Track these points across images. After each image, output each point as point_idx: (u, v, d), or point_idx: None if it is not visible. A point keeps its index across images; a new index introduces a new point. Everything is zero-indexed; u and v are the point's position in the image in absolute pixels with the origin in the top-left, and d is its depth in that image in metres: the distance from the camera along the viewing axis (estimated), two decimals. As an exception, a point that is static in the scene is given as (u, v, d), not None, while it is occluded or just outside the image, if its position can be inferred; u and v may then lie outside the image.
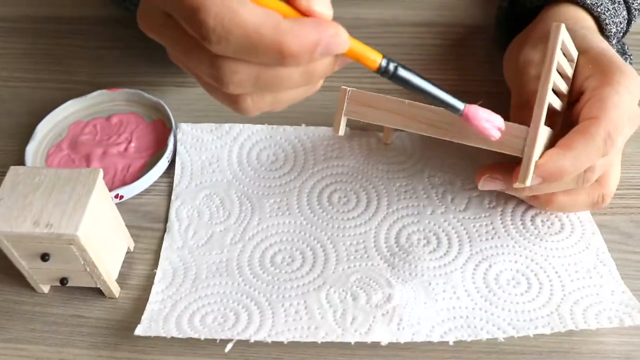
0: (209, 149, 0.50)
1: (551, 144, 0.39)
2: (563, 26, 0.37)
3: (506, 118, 0.38)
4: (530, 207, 0.46)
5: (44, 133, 0.52)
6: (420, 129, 0.40)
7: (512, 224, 0.45)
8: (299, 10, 0.29)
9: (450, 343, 0.39)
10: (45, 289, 0.43)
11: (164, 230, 0.46)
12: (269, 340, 0.39)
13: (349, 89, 0.42)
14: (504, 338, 0.39)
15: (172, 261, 0.44)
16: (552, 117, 0.41)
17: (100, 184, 0.40)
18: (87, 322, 0.42)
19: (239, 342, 0.40)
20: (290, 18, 0.28)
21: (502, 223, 0.45)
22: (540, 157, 0.38)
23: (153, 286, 0.43)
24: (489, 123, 0.36)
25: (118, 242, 0.44)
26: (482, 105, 0.36)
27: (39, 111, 0.53)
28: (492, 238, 0.44)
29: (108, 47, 0.60)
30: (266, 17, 0.27)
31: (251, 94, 0.31)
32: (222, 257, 0.44)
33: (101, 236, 0.41)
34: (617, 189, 0.43)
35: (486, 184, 0.42)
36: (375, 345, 0.39)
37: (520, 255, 0.43)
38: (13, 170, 0.41)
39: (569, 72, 0.42)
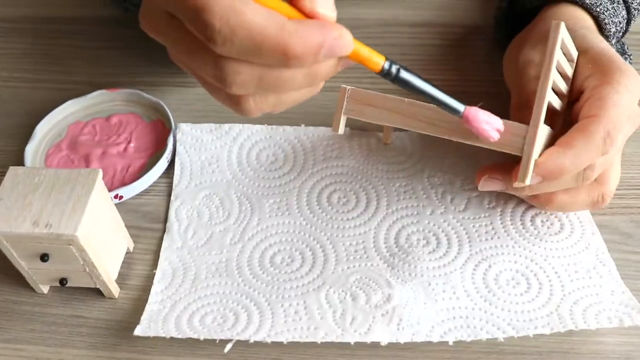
0: (209, 149, 0.50)
1: (551, 143, 0.39)
2: (563, 24, 0.37)
3: (506, 118, 0.38)
4: (530, 207, 0.46)
5: (44, 133, 0.52)
6: (420, 128, 0.40)
7: (511, 224, 0.45)
8: (303, 12, 0.29)
9: (450, 343, 0.39)
10: (45, 289, 0.43)
11: (164, 231, 0.46)
12: (269, 340, 0.39)
13: (348, 87, 0.42)
14: (503, 338, 0.39)
15: (172, 261, 0.44)
16: (552, 117, 0.41)
17: (99, 184, 0.40)
18: (86, 323, 0.42)
19: (239, 343, 0.40)
20: (294, 19, 0.28)
21: (501, 223, 0.45)
22: (540, 155, 0.38)
23: (152, 286, 0.43)
24: (489, 125, 0.36)
25: (117, 243, 0.44)
26: (481, 107, 0.36)
27: (39, 111, 0.53)
28: (492, 238, 0.44)
29: (107, 47, 0.60)
30: (271, 19, 0.27)
31: (253, 95, 0.31)
32: (222, 257, 0.44)
33: (100, 236, 0.41)
34: (617, 189, 0.43)
35: (486, 185, 0.42)
36: (375, 345, 0.39)
37: (520, 256, 0.43)
38: (12, 170, 0.41)
39: (569, 72, 0.42)
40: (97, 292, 0.43)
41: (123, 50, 0.60)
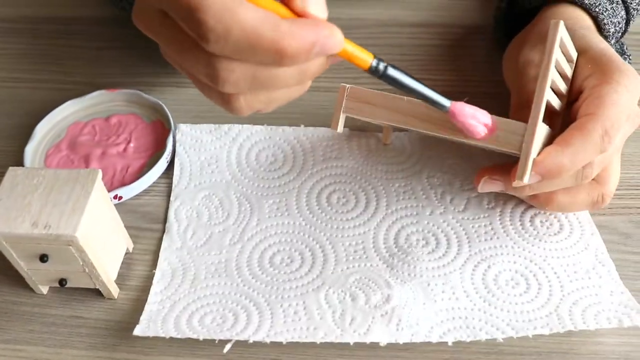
0: (208, 150, 0.50)
1: (550, 143, 0.39)
2: (562, 23, 0.37)
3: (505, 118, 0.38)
4: (529, 207, 0.46)
5: (43, 134, 0.52)
6: (419, 126, 0.40)
7: (511, 225, 0.45)
8: (294, 12, 0.29)
9: (449, 344, 0.39)
10: (44, 289, 0.43)
11: (163, 231, 0.46)
12: (268, 340, 0.39)
13: (348, 86, 0.42)
14: (502, 339, 0.39)
15: (171, 262, 0.44)
16: (551, 117, 0.41)
17: (99, 185, 0.40)
18: (85, 323, 0.42)
19: (238, 343, 0.40)
20: (287, 19, 0.28)
21: (501, 224, 0.45)
22: (538, 154, 0.38)
23: (152, 287, 0.43)
24: (475, 120, 0.37)
25: (117, 243, 0.44)
26: (468, 102, 0.36)
27: (38, 112, 0.53)
28: (491, 239, 0.44)
29: (107, 47, 0.60)
30: (265, 18, 0.28)
31: (245, 94, 0.31)
32: (221, 257, 0.44)
33: (100, 237, 0.41)
34: (616, 189, 0.43)
35: (485, 186, 0.42)
36: (374, 345, 0.39)
37: (519, 256, 0.43)
38: (12, 171, 0.41)
39: (568, 72, 0.42)
40: (96, 293, 0.43)
41: (123, 50, 0.60)
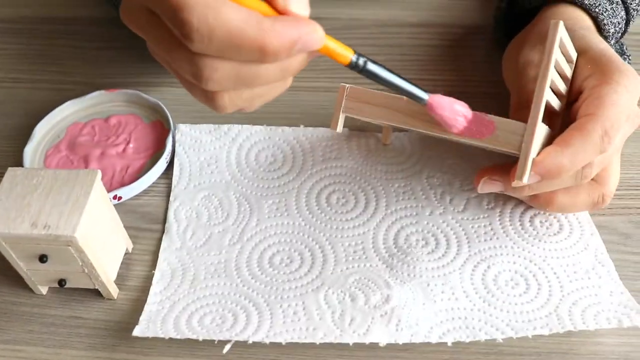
0: (208, 150, 0.50)
1: (549, 144, 0.39)
2: (561, 23, 0.37)
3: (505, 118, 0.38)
4: (528, 207, 0.46)
5: (42, 134, 0.52)
6: (419, 126, 0.40)
7: (510, 225, 0.45)
8: (276, 10, 0.30)
9: (449, 344, 0.39)
10: (44, 290, 0.43)
11: (163, 231, 0.46)
12: (267, 341, 0.39)
13: (347, 85, 0.42)
14: (502, 339, 0.39)
15: (171, 262, 0.44)
16: (551, 117, 0.41)
17: (98, 185, 0.40)
18: (85, 324, 0.42)
19: (237, 343, 0.40)
20: (269, 17, 0.29)
21: (500, 224, 0.45)
22: (538, 154, 0.38)
23: (151, 287, 0.43)
24: (453, 113, 0.37)
25: (116, 243, 0.44)
26: (446, 94, 0.37)
27: (37, 112, 0.53)
28: (491, 239, 0.44)
29: (106, 47, 0.60)
30: (248, 17, 0.28)
31: (228, 91, 0.31)
32: (221, 258, 0.44)
33: (99, 237, 0.41)
34: (616, 190, 0.43)
35: (485, 187, 0.42)
36: (374, 346, 0.39)
37: (519, 256, 0.43)
38: (11, 171, 0.41)
39: (568, 72, 0.42)
40: (95, 293, 0.43)
41: (122, 50, 0.60)
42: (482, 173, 0.42)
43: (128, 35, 0.60)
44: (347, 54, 0.32)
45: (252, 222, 0.46)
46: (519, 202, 0.46)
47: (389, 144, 0.50)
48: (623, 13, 0.49)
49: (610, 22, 0.47)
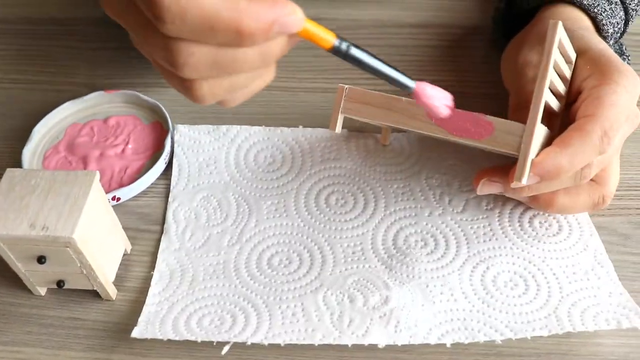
0: (207, 151, 0.50)
1: (548, 144, 0.39)
2: (560, 24, 0.37)
3: (504, 119, 0.38)
4: (528, 208, 0.46)
5: (41, 135, 0.52)
6: (418, 127, 0.40)
7: (509, 226, 0.45)
8: None
9: (448, 345, 0.39)
10: (42, 291, 0.43)
11: (161, 232, 0.46)
12: (266, 342, 0.39)
13: (346, 86, 0.42)
14: (501, 340, 0.39)
15: (169, 263, 0.44)
16: (550, 118, 0.41)
17: (96, 187, 0.40)
18: (83, 325, 0.42)
19: (236, 345, 0.40)
20: None
21: (499, 225, 0.45)
22: (537, 155, 0.37)
23: (150, 288, 0.43)
24: (438, 100, 0.36)
25: (115, 245, 0.44)
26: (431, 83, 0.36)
27: (36, 113, 0.53)
28: (490, 240, 0.44)
29: (105, 48, 0.60)
30: None
31: (207, 79, 0.30)
32: (219, 259, 0.44)
33: (98, 238, 0.40)
34: (616, 190, 0.42)
35: (484, 188, 0.42)
36: (373, 347, 0.39)
37: (518, 257, 0.43)
38: (9, 172, 0.40)
39: (567, 73, 0.42)
40: (94, 294, 0.43)
41: (121, 51, 0.60)
42: (482, 174, 0.42)
43: (127, 36, 0.60)
44: (330, 38, 0.30)
45: (251, 223, 0.46)
46: (518, 202, 0.46)
47: (387, 145, 0.50)
48: (622, 13, 0.49)
49: (609, 22, 0.47)
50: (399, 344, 0.39)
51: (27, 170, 0.41)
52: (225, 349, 0.40)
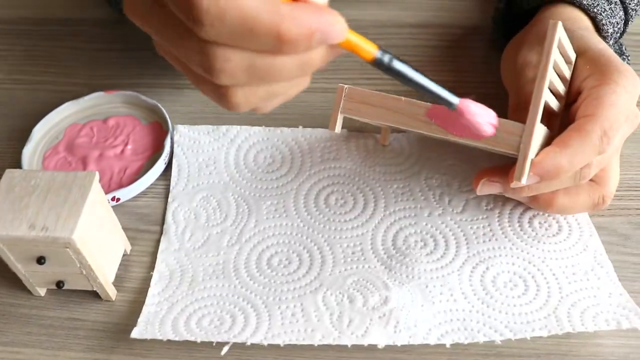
0: (206, 151, 0.50)
1: (548, 144, 0.39)
2: (560, 24, 0.37)
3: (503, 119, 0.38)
4: (527, 209, 0.46)
5: (41, 135, 0.52)
6: (417, 127, 0.39)
7: (509, 226, 0.45)
8: None
9: (447, 346, 0.39)
10: (42, 292, 0.43)
11: (161, 233, 0.46)
12: (265, 343, 0.39)
13: (346, 86, 0.42)
14: (501, 341, 0.39)
15: (169, 263, 0.44)
16: (549, 118, 0.41)
17: (96, 187, 0.40)
18: (83, 325, 0.42)
19: (236, 345, 0.40)
20: (287, 2, 0.27)
21: (499, 225, 0.45)
22: (536, 155, 0.37)
23: (149, 289, 0.43)
24: (482, 118, 0.36)
25: (114, 245, 0.44)
26: (475, 100, 0.36)
27: (36, 113, 0.53)
28: (490, 240, 0.44)
29: (105, 49, 0.60)
30: (263, 0, 0.26)
31: (242, 87, 0.29)
32: (219, 259, 0.44)
33: (97, 239, 0.40)
34: (615, 190, 0.42)
35: (484, 189, 0.42)
36: (372, 348, 0.39)
37: (518, 258, 0.43)
38: (9, 173, 0.41)
39: (567, 73, 0.42)
40: (94, 295, 0.43)
41: (120, 52, 0.60)
42: (481, 175, 0.42)
43: (127, 36, 0.60)
44: (371, 49, 0.29)
45: (251, 223, 0.46)
46: (518, 203, 0.46)
47: (387, 145, 0.50)
48: (622, 13, 0.49)
49: (609, 22, 0.47)
50: (399, 344, 0.39)
51: (26, 170, 0.41)
52: (225, 349, 0.40)
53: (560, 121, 0.42)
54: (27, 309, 0.43)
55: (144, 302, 0.42)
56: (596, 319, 0.39)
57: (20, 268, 0.41)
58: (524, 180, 0.37)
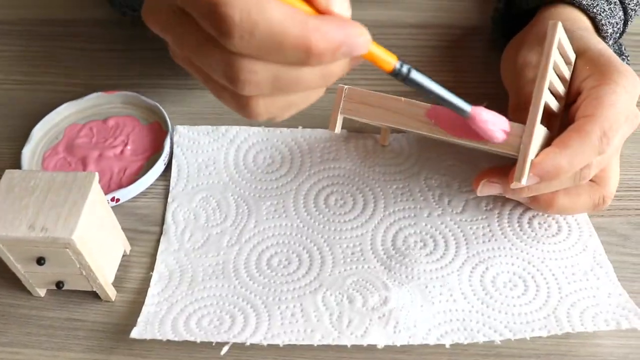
0: (206, 151, 0.50)
1: (547, 145, 0.39)
2: (560, 24, 0.37)
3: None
4: (527, 209, 0.46)
5: (40, 136, 0.52)
6: (417, 128, 0.39)
7: (509, 226, 0.45)
8: (318, 10, 0.28)
9: (447, 346, 0.39)
10: (42, 292, 0.43)
11: (161, 233, 0.46)
12: (265, 343, 0.39)
13: (345, 86, 0.42)
14: (500, 341, 0.39)
15: (169, 264, 0.44)
16: (549, 119, 0.41)
17: (95, 188, 0.40)
18: (83, 326, 0.42)
19: (235, 345, 0.40)
20: (314, 15, 0.27)
21: (499, 225, 0.45)
22: (536, 156, 0.37)
23: (149, 289, 0.43)
24: (494, 125, 0.36)
25: (114, 246, 0.44)
26: (487, 107, 0.36)
27: (35, 114, 0.53)
28: (489, 240, 0.44)
29: (104, 49, 0.60)
30: (292, 14, 0.26)
31: (264, 97, 0.29)
32: (219, 259, 0.44)
33: (97, 240, 0.40)
34: (615, 191, 0.42)
35: (484, 190, 0.42)
36: (372, 348, 0.39)
37: (517, 258, 0.43)
38: (8, 173, 0.41)
39: (567, 74, 0.42)
40: (93, 295, 0.43)
41: (120, 52, 0.60)
42: (481, 176, 0.42)
43: (127, 37, 0.60)
44: (391, 61, 0.30)
45: (250, 224, 0.46)
46: (518, 203, 0.46)
47: (387, 146, 0.50)
48: (621, 13, 0.49)
49: (609, 22, 0.47)
50: (398, 345, 0.39)
51: (26, 171, 0.41)
52: (224, 349, 0.40)
53: (560, 122, 0.42)
54: (27, 309, 0.43)
55: (143, 302, 0.42)
56: (595, 319, 0.39)
57: (20, 268, 0.41)
58: (523, 181, 0.37)
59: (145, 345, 0.40)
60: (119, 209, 0.47)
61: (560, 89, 0.41)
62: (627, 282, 0.42)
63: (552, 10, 0.48)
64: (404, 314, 0.40)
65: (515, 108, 0.45)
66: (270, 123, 0.51)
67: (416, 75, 0.31)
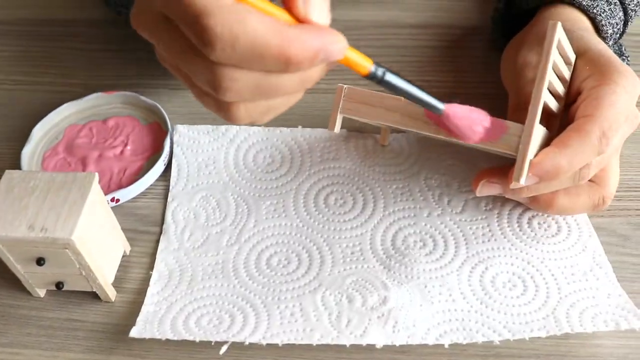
0: (206, 151, 0.50)
1: (547, 145, 0.39)
2: (559, 25, 0.37)
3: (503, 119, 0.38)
4: (527, 209, 0.46)
5: (40, 136, 0.52)
6: (417, 127, 0.39)
7: (508, 227, 0.45)
8: (297, 19, 0.28)
9: (446, 346, 0.39)
10: (41, 293, 0.43)
11: (160, 234, 0.46)
12: (264, 342, 0.39)
13: (345, 86, 0.42)
14: (499, 341, 0.39)
15: (168, 263, 0.44)
16: (549, 119, 0.41)
17: (95, 188, 0.40)
18: (82, 326, 0.42)
19: (234, 345, 0.40)
20: (292, 25, 0.28)
21: (498, 225, 0.45)
22: (536, 156, 0.37)
23: (149, 288, 0.43)
24: (471, 121, 0.36)
25: (114, 246, 0.44)
26: (461, 103, 0.36)
27: (35, 114, 0.53)
28: (489, 240, 0.44)
29: (104, 49, 0.60)
30: (271, 25, 0.27)
31: (245, 102, 0.30)
32: (218, 259, 0.44)
33: (97, 240, 0.41)
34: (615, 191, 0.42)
35: (484, 190, 0.42)
36: (371, 347, 0.39)
37: (517, 258, 0.43)
38: (8, 174, 0.41)
39: (566, 74, 0.42)
40: (93, 296, 0.43)
41: (120, 52, 0.60)
42: (481, 176, 0.42)
43: (126, 37, 0.60)
44: (367, 65, 0.31)
45: (250, 223, 0.46)
46: (517, 203, 0.46)
47: (387, 145, 0.50)
48: (621, 14, 0.49)
49: (609, 22, 0.47)
50: (397, 344, 0.39)
51: (26, 171, 0.41)
52: (223, 348, 0.40)
53: (559, 122, 0.42)
54: (27, 310, 0.43)
55: (143, 302, 0.42)
56: (595, 320, 0.39)
57: (19, 269, 0.41)
58: (522, 181, 0.37)
59: (144, 345, 0.40)
60: (119, 209, 0.47)
61: (560, 89, 0.41)
62: (626, 282, 0.42)
63: (552, 11, 0.48)
64: (403, 313, 0.40)
65: (515, 108, 0.45)
66: (270, 123, 0.51)
67: (391, 77, 0.32)
